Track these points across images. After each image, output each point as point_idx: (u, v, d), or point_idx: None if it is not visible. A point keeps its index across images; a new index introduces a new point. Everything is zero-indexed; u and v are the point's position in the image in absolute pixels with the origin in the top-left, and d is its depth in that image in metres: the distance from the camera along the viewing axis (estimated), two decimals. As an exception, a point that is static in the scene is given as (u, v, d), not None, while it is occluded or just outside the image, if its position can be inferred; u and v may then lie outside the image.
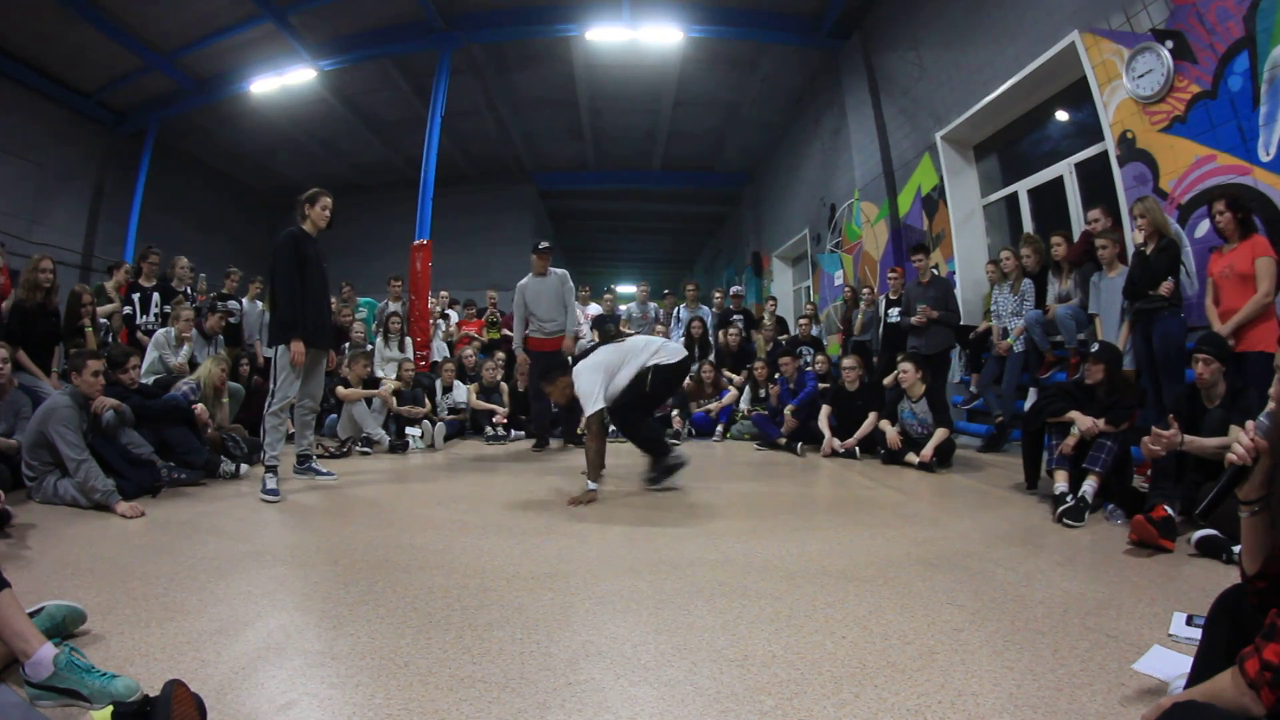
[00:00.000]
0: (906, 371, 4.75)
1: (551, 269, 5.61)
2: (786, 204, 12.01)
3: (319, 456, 4.55)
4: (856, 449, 5.08)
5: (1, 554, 2.43)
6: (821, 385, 5.89)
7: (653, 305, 8.44)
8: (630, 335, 7.78)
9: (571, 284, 5.66)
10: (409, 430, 5.72)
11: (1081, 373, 3.53)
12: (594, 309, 8.35)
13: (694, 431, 6.48)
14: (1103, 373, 3.37)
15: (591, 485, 3.56)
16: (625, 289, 13.61)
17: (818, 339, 7.46)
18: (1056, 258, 4.97)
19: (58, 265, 4.90)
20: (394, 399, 5.84)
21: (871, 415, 5.07)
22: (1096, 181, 5.24)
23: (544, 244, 5.66)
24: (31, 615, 1.58)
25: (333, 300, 5.59)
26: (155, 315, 6.01)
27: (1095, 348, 3.47)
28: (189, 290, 6.65)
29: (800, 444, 5.41)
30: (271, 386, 3.76)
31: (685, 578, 2.26)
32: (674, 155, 13.65)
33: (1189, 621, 1.77)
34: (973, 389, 5.97)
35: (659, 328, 7.59)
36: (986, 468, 4.63)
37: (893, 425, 4.83)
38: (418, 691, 1.48)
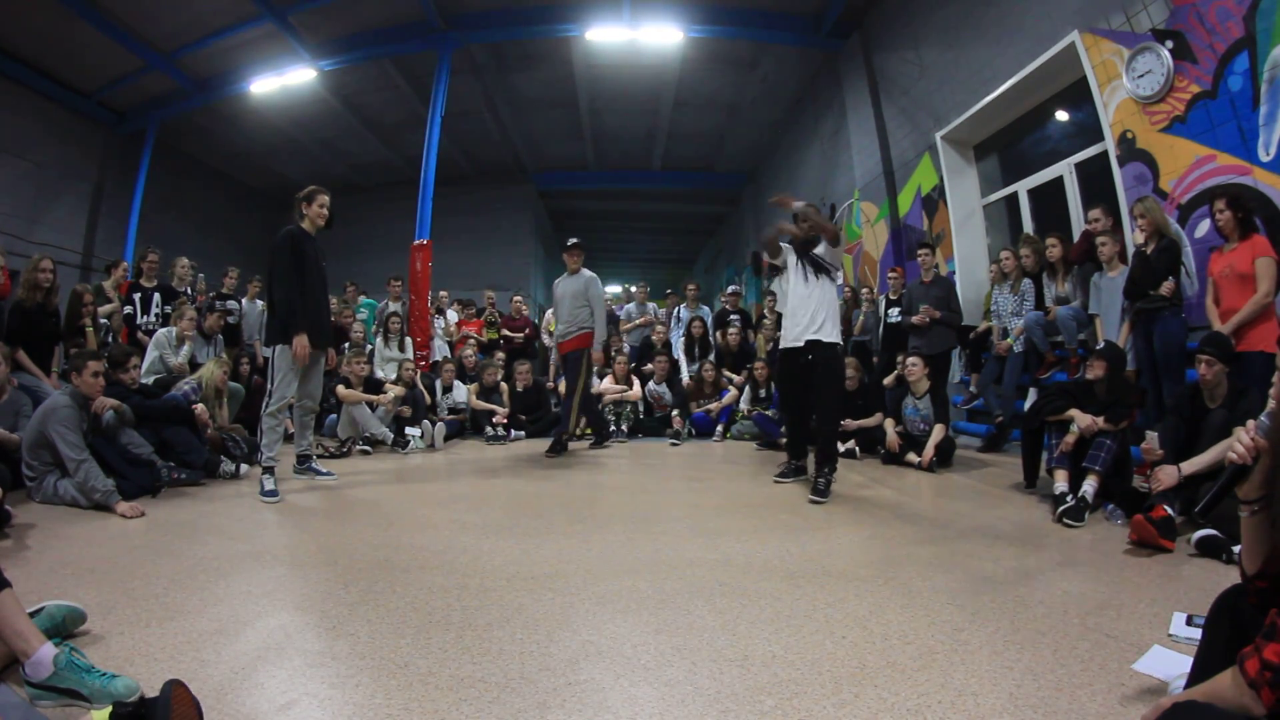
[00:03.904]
0: (915, 366, 4.76)
1: (583, 269, 5.42)
2: (787, 204, 11.99)
3: (319, 456, 4.54)
4: (856, 449, 5.09)
5: (1, 554, 2.43)
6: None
7: (651, 305, 8.44)
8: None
9: (600, 288, 5.38)
10: (409, 430, 5.72)
11: (1082, 372, 3.54)
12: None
13: (694, 431, 6.48)
14: (1104, 370, 3.37)
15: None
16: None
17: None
18: (1051, 259, 4.97)
19: (58, 265, 4.90)
20: (394, 402, 5.83)
21: (877, 415, 5.09)
22: (1096, 181, 5.24)
23: (571, 240, 5.51)
24: (31, 615, 1.58)
25: (333, 300, 5.59)
26: (156, 315, 6.01)
27: (1101, 345, 3.47)
28: (189, 290, 6.65)
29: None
30: (269, 386, 3.76)
31: (685, 578, 2.26)
32: (674, 155, 13.65)
33: (1189, 621, 1.77)
34: (973, 389, 5.97)
35: (659, 328, 7.59)
36: (986, 468, 4.62)
37: (895, 422, 4.85)
38: (418, 691, 1.48)
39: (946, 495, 3.86)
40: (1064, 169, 5.78)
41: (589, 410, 5.68)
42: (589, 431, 6.53)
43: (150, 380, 4.55)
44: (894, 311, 5.99)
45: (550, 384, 7.34)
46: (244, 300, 6.99)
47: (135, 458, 3.58)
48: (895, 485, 4.10)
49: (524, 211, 14.86)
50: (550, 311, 5.67)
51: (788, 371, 4.04)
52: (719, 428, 6.43)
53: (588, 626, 1.84)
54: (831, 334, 3.76)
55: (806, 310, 3.80)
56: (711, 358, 6.98)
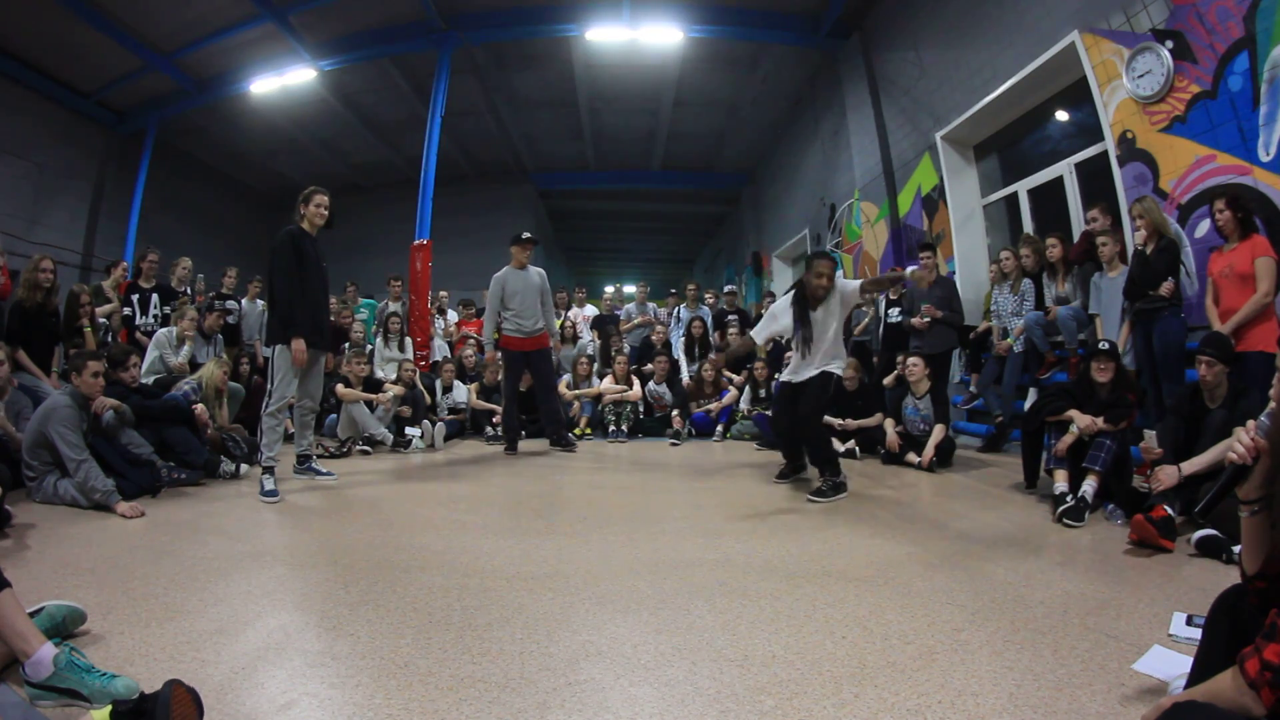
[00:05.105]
0: (916, 366, 4.76)
1: (530, 266, 5.35)
2: (786, 204, 12.02)
3: (319, 456, 4.54)
4: (856, 449, 5.09)
5: (1, 554, 2.43)
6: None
7: (651, 305, 8.45)
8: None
9: (549, 285, 5.45)
10: (409, 430, 5.72)
11: (1082, 372, 3.53)
12: (590, 310, 8.36)
13: (694, 431, 6.48)
14: (1115, 371, 3.36)
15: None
16: (627, 289, 13.66)
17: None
18: (1051, 259, 4.97)
19: (58, 265, 4.90)
20: (394, 402, 5.82)
21: (877, 415, 5.09)
22: (1096, 181, 5.24)
23: (525, 234, 5.40)
24: (31, 615, 1.58)
25: (333, 300, 5.57)
26: (154, 316, 6.01)
27: (1106, 346, 3.44)
28: (189, 290, 6.65)
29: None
30: (269, 386, 3.76)
31: (685, 578, 2.26)
32: (674, 155, 13.64)
33: (1189, 621, 1.77)
34: (973, 389, 5.97)
35: (659, 328, 7.60)
36: (986, 468, 4.63)
37: (895, 422, 4.85)
38: (418, 691, 1.48)
39: (946, 495, 3.86)
40: (1064, 169, 5.78)
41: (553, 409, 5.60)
42: (589, 431, 6.54)
43: (150, 380, 4.55)
44: (894, 311, 5.98)
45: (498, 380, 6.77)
46: (244, 300, 6.99)
47: (135, 458, 3.58)
48: (895, 485, 4.10)
49: (524, 211, 14.84)
50: (493, 305, 5.32)
51: (780, 396, 4.15)
52: (719, 428, 6.43)
53: (588, 626, 1.84)
54: (828, 367, 3.79)
55: (808, 355, 3.82)
56: (711, 357, 6.98)
